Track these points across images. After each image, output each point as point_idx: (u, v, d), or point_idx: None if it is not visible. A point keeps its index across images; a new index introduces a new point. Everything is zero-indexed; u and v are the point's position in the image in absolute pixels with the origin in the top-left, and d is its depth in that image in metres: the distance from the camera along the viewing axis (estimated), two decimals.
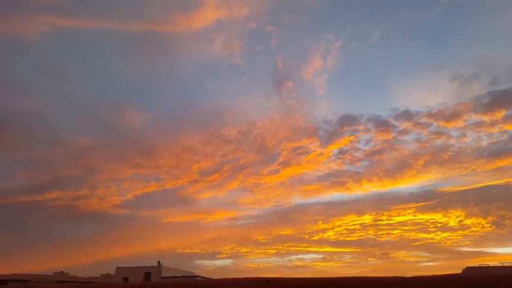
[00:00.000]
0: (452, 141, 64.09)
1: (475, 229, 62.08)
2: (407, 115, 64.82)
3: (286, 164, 72.70)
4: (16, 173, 72.66)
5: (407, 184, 70.00)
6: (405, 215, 65.68)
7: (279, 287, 11.83)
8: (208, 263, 70.39)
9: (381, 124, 66.41)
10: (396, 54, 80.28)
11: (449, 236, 63.42)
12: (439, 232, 64.00)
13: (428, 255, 66.78)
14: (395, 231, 66.23)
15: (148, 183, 72.95)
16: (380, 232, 67.48)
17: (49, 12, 60.83)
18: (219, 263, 70.62)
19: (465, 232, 62.67)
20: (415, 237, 65.81)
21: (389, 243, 67.75)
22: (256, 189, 73.83)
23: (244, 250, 71.59)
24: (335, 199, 76.33)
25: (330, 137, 69.95)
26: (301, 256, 71.19)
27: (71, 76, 72.72)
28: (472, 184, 63.59)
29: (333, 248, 69.42)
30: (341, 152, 70.75)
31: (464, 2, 72.17)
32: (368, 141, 69.12)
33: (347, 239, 68.59)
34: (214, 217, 76.07)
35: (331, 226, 69.27)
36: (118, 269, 36.69)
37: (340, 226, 68.58)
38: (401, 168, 68.16)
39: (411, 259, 66.75)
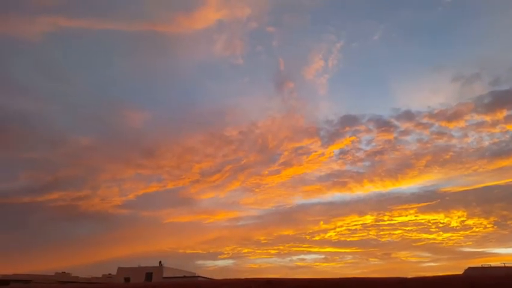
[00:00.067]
0: (453, 141, 63.99)
1: (477, 229, 62.00)
2: (408, 115, 64.77)
3: (287, 164, 72.74)
4: (18, 174, 73.21)
5: (409, 184, 69.80)
6: (406, 216, 65.62)
7: None
8: (210, 263, 70.51)
9: (383, 124, 66.37)
10: (398, 54, 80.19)
11: (451, 236, 63.34)
12: (441, 232, 63.91)
13: (430, 256, 66.72)
14: (396, 232, 66.20)
15: (150, 183, 73.10)
16: (381, 232, 67.44)
17: (50, 12, 61.09)
18: (220, 263, 70.74)
19: (467, 232, 62.58)
20: (417, 237, 65.76)
21: (391, 243, 67.75)
22: (257, 190, 73.92)
23: (246, 250, 71.68)
24: (336, 199, 76.26)
25: (332, 137, 69.96)
26: (302, 256, 71.13)
27: (72, 76, 73.04)
28: (474, 184, 63.48)
29: (334, 248, 69.41)
30: (342, 152, 70.75)
31: (465, 2, 72.13)
32: (369, 142, 69.08)
33: (348, 240, 68.57)
34: (216, 217, 76.15)
35: (332, 226, 69.32)
36: (120, 269, 36.76)
37: (341, 226, 68.57)
38: (402, 168, 68.12)
39: (413, 259, 66.69)
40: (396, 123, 65.17)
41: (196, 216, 76.67)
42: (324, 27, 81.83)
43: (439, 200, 65.30)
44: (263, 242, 72.24)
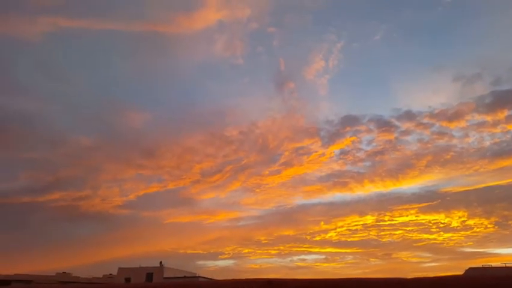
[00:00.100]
0: (454, 141, 63.66)
1: (478, 230, 61.79)
2: (409, 115, 64.39)
3: (288, 164, 72.55)
4: (18, 174, 73.18)
5: (410, 184, 69.50)
6: (407, 216, 65.37)
7: None
8: (210, 263, 70.42)
9: (383, 124, 65.97)
10: (398, 54, 79.79)
11: (452, 236, 63.15)
12: (442, 233, 63.70)
13: (431, 256, 66.58)
14: (397, 232, 65.98)
15: (150, 183, 72.91)
16: (382, 233, 67.20)
17: (51, 12, 61.03)
18: (220, 263, 70.62)
19: (468, 233, 62.36)
20: (417, 237, 65.54)
21: (391, 243, 67.57)
22: (257, 190, 73.79)
23: (246, 251, 71.54)
24: (336, 199, 75.94)
25: (332, 138, 69.65)
26: (303, 257, 70.90)
27: (72, 76, 72.94)
28: (475, 184, 63.21)
29: (335, 248, 69.22)
30: (343, 153, 70.45)
31: (466, 2, 71.86)
32: (370, 142, 68.65)
33: (349, 240, 68.37)
34: (216, 218, 76.05)
35: (333, 227, 69.12)
36: (120, 269, 36.80)
37: (342, 227, 68.32)
38: (403, 168, 67.92)
39: (414, 260, 66.55)
40: (397, 123, 64.99)
41: (196, 217, 76.72)
42: (325, 27, 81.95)
43: (440, 200, 65.21)
44: (264, 242, 72.25)
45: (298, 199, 78.00)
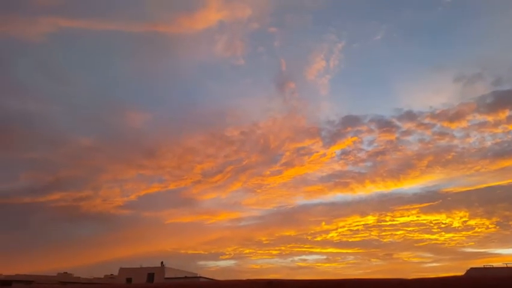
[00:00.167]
0: (455, 141, 63.50)
1: (479, 230, 61.62)
2: (410, 115, 64.26)
3: (289, 164, 72.52)
4: (19, 174, 73.60)
5: (411, 185, 69.34)
6: (408, 216, 65.23)
7: None
8: (211, 263, 70.40)
9: (384, 125, 65.84)
10: (399, 54, 79.66)
11: (453, 236, 62.99)
12: (443, 233, 63.55)
13: (432, 256, 66.40)
14: (398, 232, 65.84)
15: (151, 184, 72.98)
16: (383, 233, 67.10)
17: (52, 13, 61.00)
18: (222, 263, 70.61)
19: (469, 233, 62.20)
20: (419, 238, 65.40)
21: (393, 244, 67.42)
22: (259, 190, 73.77)
23: (247, 251, 71.50)
24: (338, 200, 75.85)
25: (333, 138, 69.56)
26: (304, 257, 70.79)
27: (73, 77, 72.97)
28: (476, 185, 63.02)
29: (336, 248, 69.14)
30: (344, 153, 70.36)
31: (466, 2, 71.73)
32: (371, 142, 68.55)
33: (350, 240, 68.26)
34: (217, 218, 76.06)
35: (334, 227, 68.98)
36: (121, 269, 36.83)
37: (343, 227, 68.19)
38: (404, 168, 67.75)
39: (415, 260, 66.42)
40: (398, 123, 64.86)
41: (197, 217, 76.73)
42: (326, 27, 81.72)
43: (441, 201, 65.02)
44: (265, 242, 72.21)
45: (300, 199, 78.21)
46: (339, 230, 68.02)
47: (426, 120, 63.12)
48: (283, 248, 70.78)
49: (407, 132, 64.98)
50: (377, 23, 76.26)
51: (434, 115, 62.79)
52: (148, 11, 73.20)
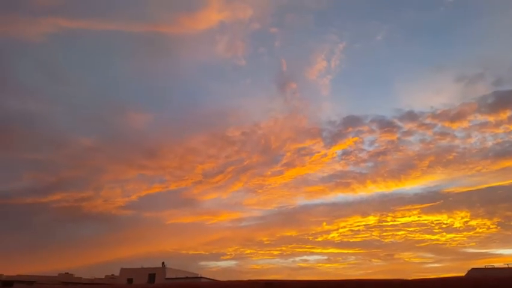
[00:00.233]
0: (456, 142, 63.35)
1: (480, 230, 61.43)
2: (411, 116, 64.11)
3: (290, 165, 72.43)
4: (20, 175, 73.35)
5: (412, 185, 69.06)
6: (410, 216, 65.07)
7: None
8: (212, 264, 70.31)
9: (386, 125, 65.67)
10: (400, 54, 79.52)
11: (454, 237, 62.82)
12: (444, 233, 63.39)
13: (433, 257, 66.21)
14: (399, 233, 65.68)
15: (152, 184, 72.97)
16: (384, 233, 66.96)
17: (53, 13, 61.07)
18: (223, 264, 70.55)
19: (470, 233, 62.03)
20: (420, 238, 65.23)
21: (394, 244, 67.30)
22: (260, 190, 73.71)
23: (248, 251, 71.43)
24: (339, 200, 75.81)
25: (334, 138, 69.45)
26: (305, 257, 70.83)
27: (74, 77, 73.01)
28: (477, 185, 62.82)
29: (337, 249, 69.05)
30: (345, 153, 70.24)
31: (467, 2, 71.52)
32: (372, 142, 68.40)
33: (351, 240, 68.13)
34: (218, 218, 76.06)
35: (335, 227, 68.85)
36: (122, 270, 36.86)
37: (344, 227, 68.07)
38: (405, 169, 67.59)
39: (416, 260, 66.26)
40: (399, 123, 64.73)
41: (198, 217, 76.71)
42: (327, 28, 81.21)
43: (442, 201, 64.90)
44: (266, 242, 72.15)
45: (301, 200, 78.08)
46: (340, 230, 68.01)
47: (428, 121, 63.05)
48: (284, 248, 70.77)
49: (408, 133, 64.91)
50: (378, 23, 76.20)
51: (435, 115, 62.72)
52: (149, 11, 73.28)
